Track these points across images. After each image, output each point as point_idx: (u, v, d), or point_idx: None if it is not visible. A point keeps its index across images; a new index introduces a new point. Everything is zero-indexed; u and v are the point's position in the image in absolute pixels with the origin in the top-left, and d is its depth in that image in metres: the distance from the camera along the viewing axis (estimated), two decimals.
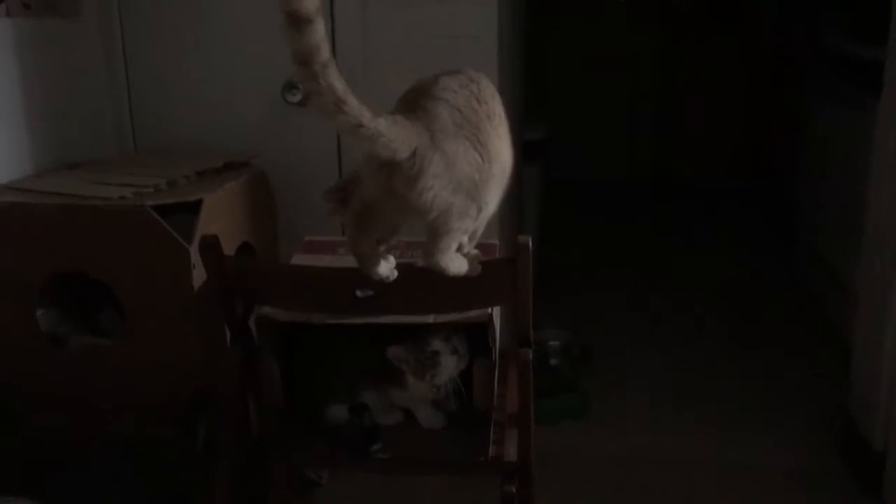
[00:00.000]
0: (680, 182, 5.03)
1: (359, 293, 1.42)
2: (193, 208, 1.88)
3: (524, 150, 3.33)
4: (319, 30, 1.14)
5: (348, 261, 1.45)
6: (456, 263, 1.36)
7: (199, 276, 1.79)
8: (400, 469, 1.75)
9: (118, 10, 2.43)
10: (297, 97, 2.35)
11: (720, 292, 3.69)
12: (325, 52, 1.15)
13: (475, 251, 1.44)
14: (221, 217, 1.96)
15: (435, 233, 1.32)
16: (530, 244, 1.39)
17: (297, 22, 1.13)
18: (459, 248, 1.40)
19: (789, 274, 3.74)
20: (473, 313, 1.51)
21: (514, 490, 1.51)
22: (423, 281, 1.39)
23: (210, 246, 1.48)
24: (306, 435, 1.64)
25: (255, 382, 1.61)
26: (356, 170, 1.40)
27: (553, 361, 2.85)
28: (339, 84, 1.16)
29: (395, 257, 1.42)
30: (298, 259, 1.72)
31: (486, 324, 1.53)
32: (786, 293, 3.62)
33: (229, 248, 1.88)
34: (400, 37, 2.28)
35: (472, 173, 1.29)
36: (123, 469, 1.91)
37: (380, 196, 1.30)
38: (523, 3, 3.32)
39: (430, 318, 1.51)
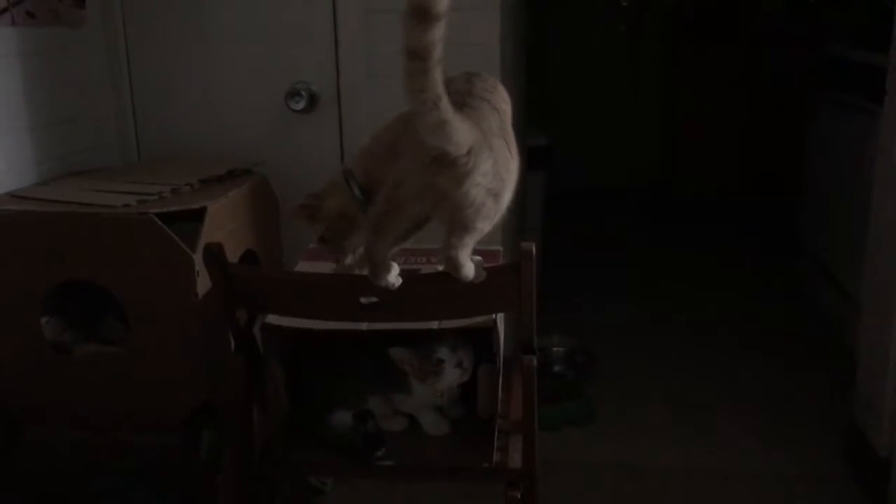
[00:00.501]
0: (683, 190, 5.03)
1: (363, 300, 1.42)
2: (197, 216, 1.88)
3: (528, 157, 3.33)
4: (443, 28, 1.12)
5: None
6: (469, 265, 1.37)
7: (203, 283, 1.79)
8: (404, 476, 1.75)
9: (122, 20, 2.44)
10: (301, 105, 2.36)
11: (724, 300, 3.69)
12: (440, 50, 1.14)
13: (477, 258, 1.44)
14: (225, 225, 1.97)
15: (461, 228, 1.31)
16: (534, 251, 1.39)
17: (424, 18, 1.11)
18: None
19: (793, 281, 3.73)
20: (478, 320, 1.51)
21: (519, 496, 1.51)
22: (427, 288, 1.39)
23: (214, 254, 1.48)
24: (311, 443, 1.64)
25: (259, 390, 1.61)
26: (325, 187, 1.46)
27: (557, 368, 2.85)
28: (441, 81, 1.16)
29: (399, 264, 1.42)
30: (303, 266, 1.72)
31: (491, 330, 1.53)
32: (789, 300, 3.62)
33: (233, 256, 1.88)
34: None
35: (504, 174, 1.31)
36: (127, 478, 1.91)
37: (419, 193, 1.28)
38: (526, 12, 3.32)
39: (435, 325, 1.51)
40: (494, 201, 1.31)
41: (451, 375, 1.56)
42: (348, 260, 1.50)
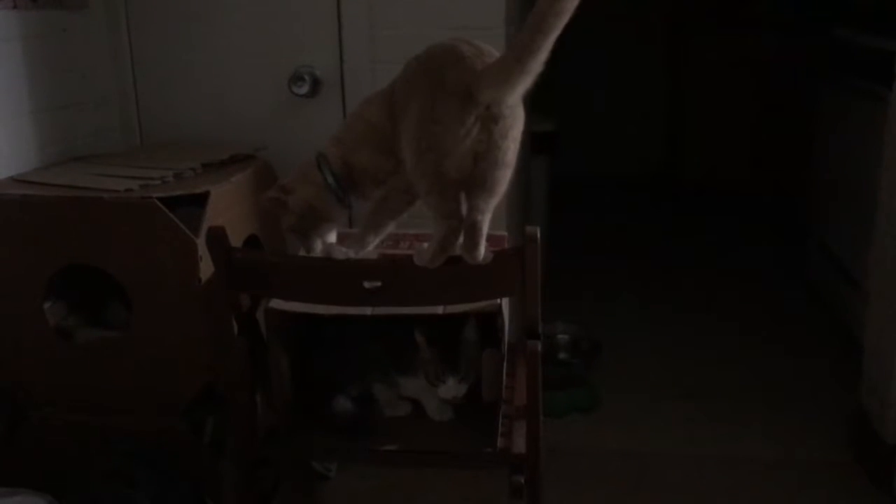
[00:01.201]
0: (688, 179, 5.01)
1: (367, 284, 1.41)
2: (200, 201, 1.88)
3: (532, 143, 3.32)
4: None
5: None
6: (484, 243, 1.39)
7: (206, 268, 1.78)
8: (408, 461, 1.75)
9: (124, 3, 2.43)
10: (304, 89, 2.35)
11: (730, 287, 3.67)
12: None
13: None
14: (228, 209, 1.96)
15: (489, 191, 1.35)
16: (538, 235, 1.38)
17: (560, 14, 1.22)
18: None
19: (799, 269, 3.71)
20: (483, 304, 1.50)
21: (523, 482, 1.50)
22: (431, 272, 1.38)
23: (217, 238, 1.47)
24: (314, 427, 1.64)
25: (262, 375, 1.60)
26: (294, 176, 1.52)
27: (562, 355, 2.84)
28: None
29: (405, 249, 1.41)
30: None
31: (496, 314, 1.52)
32: (796, 288, 3.60)
33: (236, 241, 1.87)
34: (408, 29, 2.27)
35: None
36: (131, 462, 1.91)
37: (463, 156, 1.31)
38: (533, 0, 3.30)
39: (440, 310, 1.51)
40: (513, 169, 1.35)
41: (451, 389, 1.57)
42: (318, 246, 1.51)
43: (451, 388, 1.57)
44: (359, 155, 1.48)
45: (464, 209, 1.35)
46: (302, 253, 1.68)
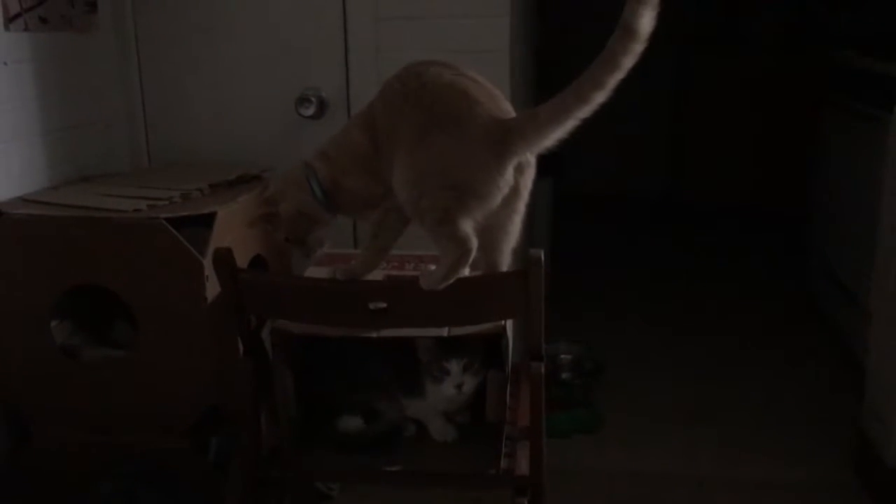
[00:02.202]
0: (691, 196, 5.02)
1: (372, 306, 1.42)
2: (207, 221, 1.89)
3: (537, 164, 3.33)
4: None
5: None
6: None
7: (212, 288, 1.80)
8: (412, 482, 1.75)
9: (134, 25, 2.46)
10: (311, 111, 2.37)
11: (733, 308, 3.67)
12: None
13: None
14: (235, 230, 1.97)
15: (510, 236, 1.44)
16: (542, 258, 1.39)
17: (632, 36, 1.31)
18: None
19: (802, 290, 3.72)
20: (487, 326, 1.51)
21: (526, 503, 1.51)
22: (435, 294, 1.39)
23: (223, 258, 1.48)
24: (319, 448, 1.64)
25: (267, 395, 1.61)
26: (279, 188, 1.54)
27: (565, 375, 2.84)
28: None
29: (410, 270, 1.43)
30: (312, 272, 1.72)
31: (500, 336, 1.53)
32: (799, 309, 3.60)
33: (242, 261, 1.88)
34: (412, 51, 2.29)
35: None
36: (135, 482, 1.91)
37: (503, 196, 1.37)
38: (536, 18, 3.33)
39: (445, 332, 1.51)
40: None
41: (447, 391, 1.57)
42: (317, 253, 1.53)
43: (456, 375, 1.56)
44: (350, 178, 1.48)
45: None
46: (309, 269, 1.69)
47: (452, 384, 1.57)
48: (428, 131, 1.35)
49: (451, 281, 1.37)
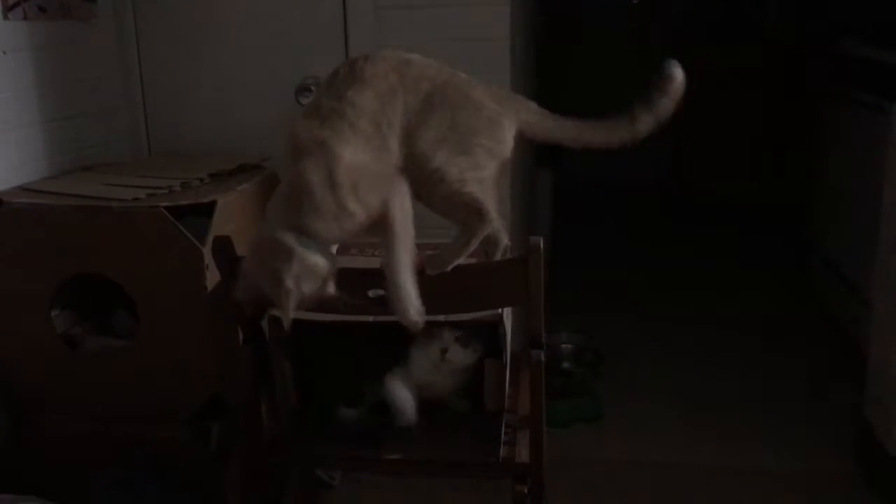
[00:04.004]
0: (691, 188, 5.01)
1: (371, 293, 1.42)
2: (207, 210, 1.89)
3: (537, 154, 3.33)
4: None
5: (361, 261, 1.45)
6: None
7: (212, 277, 1.79)
8: (412, 471, 1.75)
9: (133, 14, 2.45)
10: (310, 99, 2.36)
11: (734, 298, 3.67)
12: None
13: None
14: (234, 219, 1.97)
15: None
16: (542, 245, 1.39)
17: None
18: None
19: (804, 281, 3.71)
20: (484, 314, 1.51)
21: (526, 491, 1.51)
22: (434, 281, 1.39)
23: (223, 247, 1.49)
24: (319, 436, 1.64)
25: (267, 383, 1.61)
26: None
27: (565, 365, 2.84)
28: None
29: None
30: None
31: (497, 324, 1.53)
32: (800, 301, 3.60)
33: (242, 249, 1.88)
34: (413, 40, 2.29)
35: None
36: (136, 470, 1.91)
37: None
38: (537, 9, 3.32)
39: (441, 318, 1.51)
40: None
41: (432, 355, 1.59)
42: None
43: (445, 340, 1.58)
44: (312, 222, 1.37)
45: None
46: None
47: (438, 346, 1.57)
48: (432, 110, 1.39)
49: (461, 260, 1.40)
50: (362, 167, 1.35)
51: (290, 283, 1.33)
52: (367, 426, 1.61)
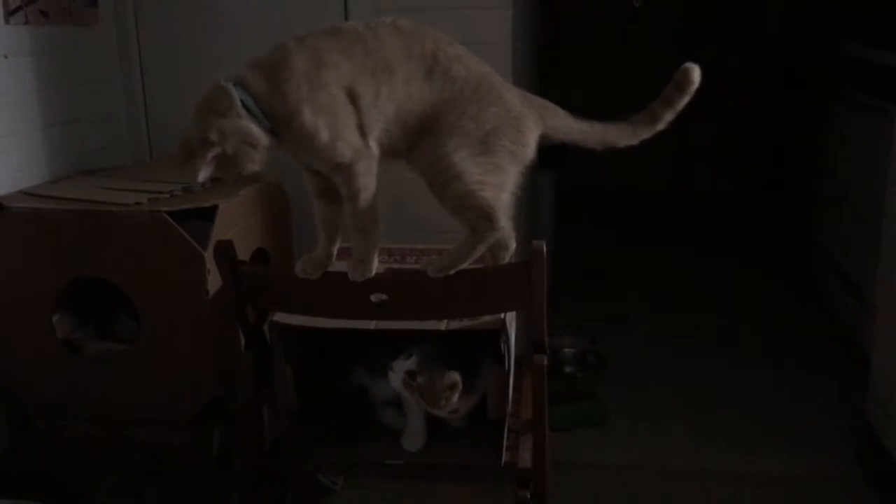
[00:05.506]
0: (695, 191, 5.00)
1: (373, 298, 1.41)
2: (209, 214, 1.89)
3: (539, 156, 3.32)
4: None
5: None
6: None
7: (213, 281, 1.79)
8: (414, 475, 1.75)
9: (135, 19, 2.45)
10: None
11: (737, 302, 3.66)
12: None
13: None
14: (236, 223, 1.97)
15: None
16: (544, 249, 1.38)
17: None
18: None
19: (807, 284, 3.71)
20: (485, 320, 1.50)
21: (529, 496, 1.50)
22: (436, 287, 1.39)
23: (225, 252, 1.48)
24: (321, 440, 1.64)
25: (269, 388, 1.61)
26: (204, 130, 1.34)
27: (568, 369, 2.84)
28: None
29: (412, 264, 1.42)
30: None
31: (498, 331, 1.52)
32: (803, 303, 3.59)
33: (244, 254, 1.88)
34: None
35: None
36: (138, 475, 1.91)
37: None
38: (538, 11, 3.32)
39: (443, 326, 1.51)
40: None
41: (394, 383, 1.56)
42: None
43: (397, 374, 1.55)
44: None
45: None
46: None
47: (394, 381, 1.55)
48: (461, 95, 1.39)
49: (463, 265, 1.38)
50: (356, 95, 1.33)
51: (214, 135, 1.27)
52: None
